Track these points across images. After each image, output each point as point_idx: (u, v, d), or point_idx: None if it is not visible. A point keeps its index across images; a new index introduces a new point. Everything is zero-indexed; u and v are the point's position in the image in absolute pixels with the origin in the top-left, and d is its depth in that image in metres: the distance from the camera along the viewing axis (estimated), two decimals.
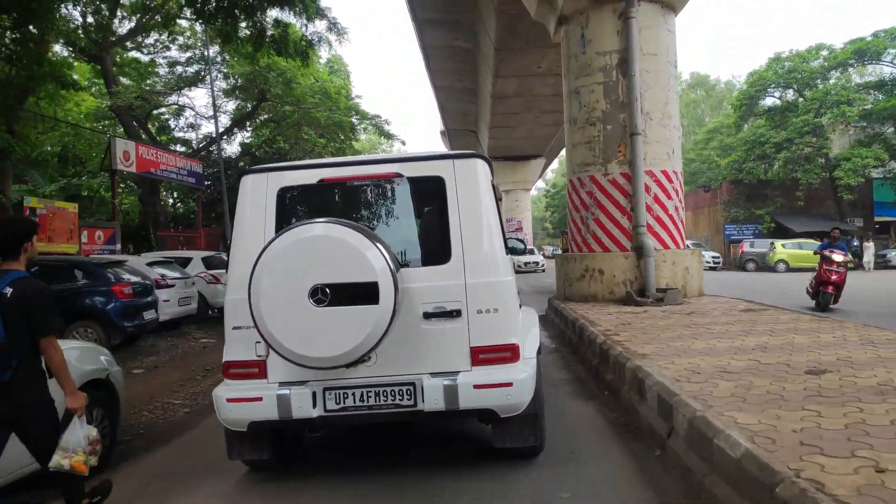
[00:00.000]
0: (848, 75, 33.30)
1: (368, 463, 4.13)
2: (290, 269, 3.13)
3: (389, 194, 3.72)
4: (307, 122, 24.33)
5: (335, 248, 3.12)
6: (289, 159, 22.11)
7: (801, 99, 31.42)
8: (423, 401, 3.39)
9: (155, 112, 24.92)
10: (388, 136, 27.59)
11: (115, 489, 3.55)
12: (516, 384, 3.41)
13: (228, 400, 3.45)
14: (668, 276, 10.03)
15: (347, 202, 3.75)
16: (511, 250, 3.96)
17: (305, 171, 3.73)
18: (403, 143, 56.74)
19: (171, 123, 27.45)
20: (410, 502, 3.45)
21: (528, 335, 3.88)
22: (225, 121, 25.87)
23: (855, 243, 25.52)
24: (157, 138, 24.12)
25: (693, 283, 10.44)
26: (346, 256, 3.10)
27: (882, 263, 26.03)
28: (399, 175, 3.67)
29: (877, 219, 31.41)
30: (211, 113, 22.84)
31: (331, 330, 3.11)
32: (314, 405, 3.41)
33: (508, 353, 3.49)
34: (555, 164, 58.05)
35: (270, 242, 3.21)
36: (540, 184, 69.08)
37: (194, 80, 23.88)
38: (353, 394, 3.42)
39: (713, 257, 28.70)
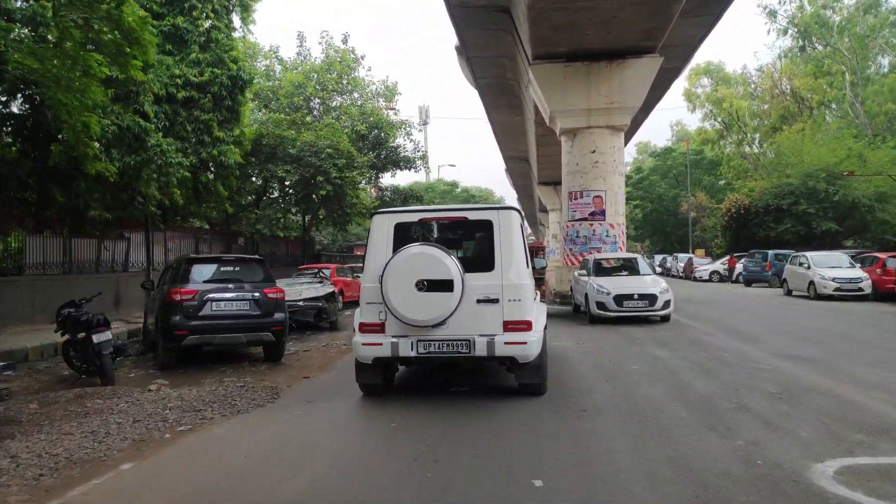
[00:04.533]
0: None
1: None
2: (404, 270, 5.58)
3: (460, 228, 6.48)
4: None
5: (430, 259, 5.59)
6: None
7: None
8: (474, 350, 5.67)
9: None
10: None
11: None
12: (529, 343, 5.69)
13: (363, 344, 5.90)
14: None
15: (436, 232, 6.34)
16: (533, 264, 6.85)
17: (411, 214, 6.37)
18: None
19: None
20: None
21: (540, 317, 6.23)
22: None
23: None
24: None
25: None
26: (436, 264, 5.55)
27: None
28: (465, 218, 6.29)
29: None
30: None
31: (426, 305, 5.57)
32: (412, 349, 5.76)
33: (525, 325, 5.74)
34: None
35: (394, 255, 5.70)
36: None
37: None
38: (434, 343, 5.74)
39: None
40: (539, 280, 16.79)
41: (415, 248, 5.76)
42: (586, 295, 13.24)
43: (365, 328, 5.96)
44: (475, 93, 23.07)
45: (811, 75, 41.72)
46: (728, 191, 47.49)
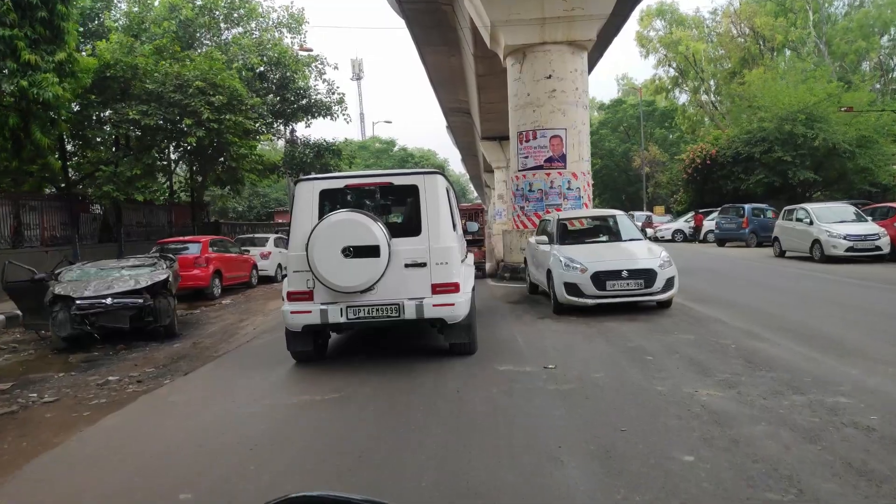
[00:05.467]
0: None
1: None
2: (330, 237, 5.62)
3: (386, 194, 6.50)
4: None
5: (355, 225, 5.65)
6: None
7: None
8: (404, 313, 5.79)
9: None
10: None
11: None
12: (457, 304, 5.85)
13: (291, 312, 5.91)
14: None
15: (361, 199, 6.38)
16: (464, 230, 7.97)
17: (337, 181, 6.35)
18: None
19: None
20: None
21: (468, 279, 6.43)
22: None
23: None
24: None
25: None
26: (362, 230, 5.61)
27: None
28: (391, 184, 6.25)
29: None
30: None
31: (353, 271, 5.63)
32: (341, 315, 5.81)
33: (453, 287, 5.88)
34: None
35: (319, 222, 5.72)
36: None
37: None
38: (364, 309, 5.81)
39: None
40: (478, 242, 15.71)
41: (340, 215, 5.75)
42: (549, 272, 8.95)
43: (293, 296, 5.97)
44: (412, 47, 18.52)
45: (772, 14, 38.33)
46: (682, 143, 44.28)
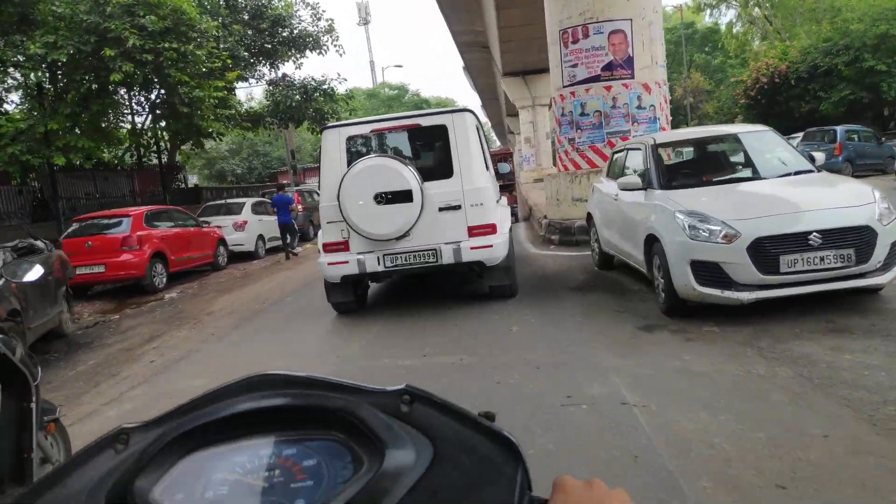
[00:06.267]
0: None
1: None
2: (361, 184, 5.46)
3: (414, 136, 6.24)
4: None
5: (385, 171, 5.48)
6: None
7: None
8: (441, 258, 5.66)
9: None
10: None
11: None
12: (495, 246, 5.64)
13: (329, 264, 5.81)
14: None
15: (389, 143, 6.19)
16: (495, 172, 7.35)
17: (363, 126, 6.08)
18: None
19: None
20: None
21: (504, 220, 6.16)
22: None
23: None
24: None
25: None
26: (392, 175, 5.46)
27: None
28: (419, 125, 6.01)
29: None
30: None
31: (387, 218, 5.51)
32: (378, 263, 5.70)
33: (489, 229, 5.72)
34: None
35: (348, 170, 5.53)
36: None
37: None
38: (401, 256, 5.71)
39: None
40: (509, 187, 14.16)
41: (369, 161, 5.57)
42: (651, 239, 5.00)
43: (329, 247, 5.88)
44: None
45: None
46: (728, 68, 39.01)
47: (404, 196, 5.44)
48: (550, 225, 10.13)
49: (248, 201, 14.90)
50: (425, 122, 5.97)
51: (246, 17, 18.12)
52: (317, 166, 42.03)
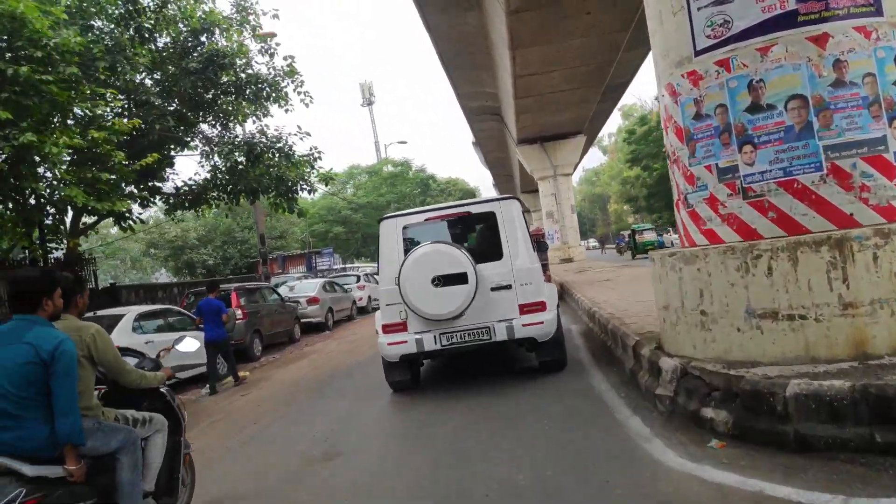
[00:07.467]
0: None
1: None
2: (419, 269, 6.05)
3: (465, 223, 6.88)
4: None
5: (442, 255, 6.07)
6: None
7: None
8: (495, 335, 6.15)
9: None
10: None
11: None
12: (545, 322, 6.17)
13: (388, 344, 6.30)
14: None
15: (443, 230, 6.72)
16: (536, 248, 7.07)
17: (417, 215, 6.74)
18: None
19: None
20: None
21: (552, 297, 6.58)
22: None
23: None
24: None
25: None
26: (449, 259, 6.03)
27: None
28: (469, 213, 6.68)
29: None
30: None
31: (444, 299, 6.00)
32: (435, 343, 6.21)
33: (540, 306, 6.22)
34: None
35: (407, 256, 6.16)
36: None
37: None
38: (456, 334, 6.19)
39: None
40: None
41: (427, 247, 6.13)
42: None
43: (388, 328, 6.35)
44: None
45: None
46: None
47: (460, 278, 5.99)
48: (688, 376, 4.28)
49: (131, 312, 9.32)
50: (475, 209, 6.69)
51: (198, 67, 12.93)
52: (303, 253, 35.44)
